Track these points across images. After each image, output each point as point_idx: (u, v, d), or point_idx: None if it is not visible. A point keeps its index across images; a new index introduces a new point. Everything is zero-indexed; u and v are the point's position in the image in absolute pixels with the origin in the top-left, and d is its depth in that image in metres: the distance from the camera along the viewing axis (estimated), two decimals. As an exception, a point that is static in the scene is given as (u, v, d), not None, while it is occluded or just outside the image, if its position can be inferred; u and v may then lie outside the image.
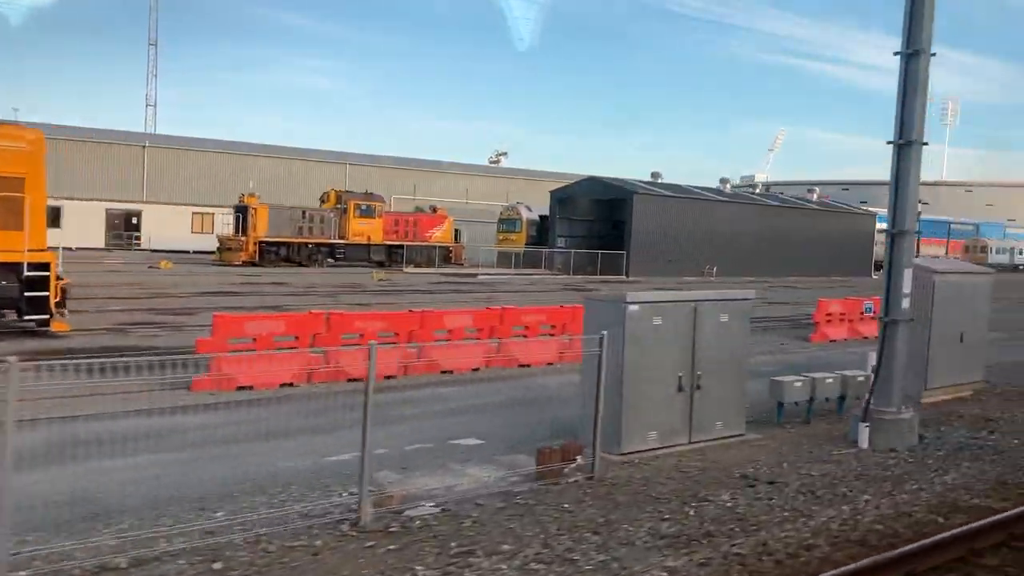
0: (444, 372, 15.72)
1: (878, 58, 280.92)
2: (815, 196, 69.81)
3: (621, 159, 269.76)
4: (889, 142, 12.09)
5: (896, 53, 11.95)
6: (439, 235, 54.19)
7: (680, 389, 11.04)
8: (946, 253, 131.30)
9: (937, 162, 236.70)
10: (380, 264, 50.65)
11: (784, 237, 62.96)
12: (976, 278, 17.42)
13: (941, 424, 13.29)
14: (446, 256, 54.30)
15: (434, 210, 56.21)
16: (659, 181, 60.07)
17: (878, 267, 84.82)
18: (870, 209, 71.80)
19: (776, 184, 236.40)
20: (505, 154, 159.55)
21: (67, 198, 53.89)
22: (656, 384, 10.84)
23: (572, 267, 53.67)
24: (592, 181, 56.79)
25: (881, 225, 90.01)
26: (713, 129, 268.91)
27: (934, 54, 11.89)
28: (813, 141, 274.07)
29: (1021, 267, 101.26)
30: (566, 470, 9.49)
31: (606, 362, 10.84)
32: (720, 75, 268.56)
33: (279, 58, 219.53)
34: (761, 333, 25.49)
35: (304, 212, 48.87)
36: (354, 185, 67.74)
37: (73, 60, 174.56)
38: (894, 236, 12.21)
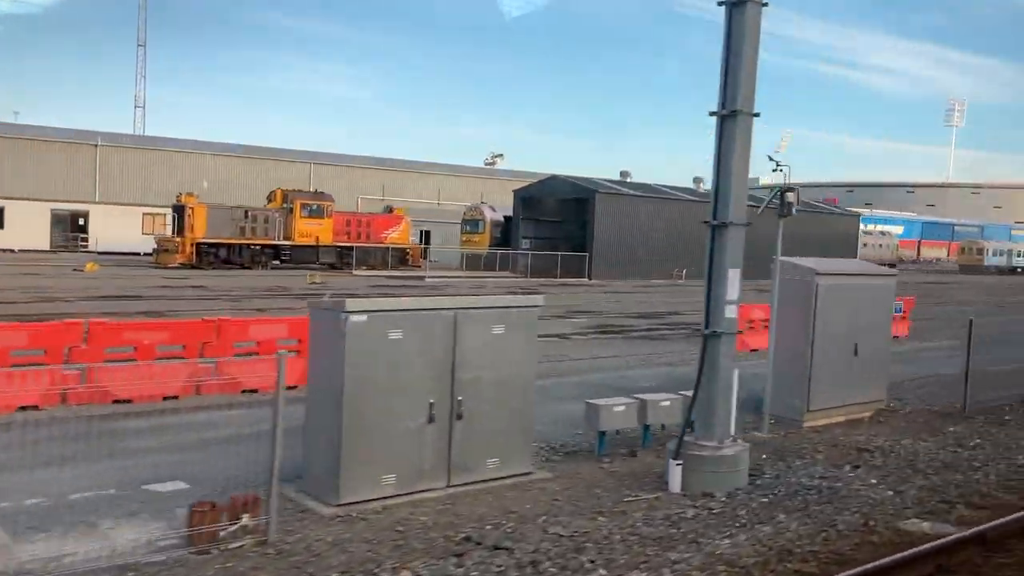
0: (248, 391, 13.48)
1: (888, 60, 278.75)
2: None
3: (628, 162, 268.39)
4: (712, 113, 9.81)
5: (720, 3, 9.63)
6: (395, 236, 52.00)
7: (431, 420, 8.78)
8: (948, 255, 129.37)
9: (944, 163, 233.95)
10: (332, 266, 48.54)
11: (763, 239, 60.45)
12: (874, 280, 15.17)
13: (798, 457, 11.02)
14: (404, 258, 52.14)
15: (391, 210, 54.04)
16: (628, 180, 57.73)
17: None
18: (853, 210, 69.17)
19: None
20: (501, 156, 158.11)
21: (9, 198, 52.00)
22: (395, 414, 8.58)
23: (534, 270, 51.49)
24: (555, 180, 54.45)
25: (865, 227, 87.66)
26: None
27: (766, 3, 9.58)
28: (821, 144, 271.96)
29: (1020, 269, 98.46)
30: (222, 534, 7.25)
31: (317, 385, 8.69)
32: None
33: (271, 61, 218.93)
34: (676, 342, 23.29)
35: (247, 212, 46.75)
36: (322, 185, 65.73)
37: (64, 62, 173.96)
38: (715, 229, 9.95)
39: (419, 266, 52.47)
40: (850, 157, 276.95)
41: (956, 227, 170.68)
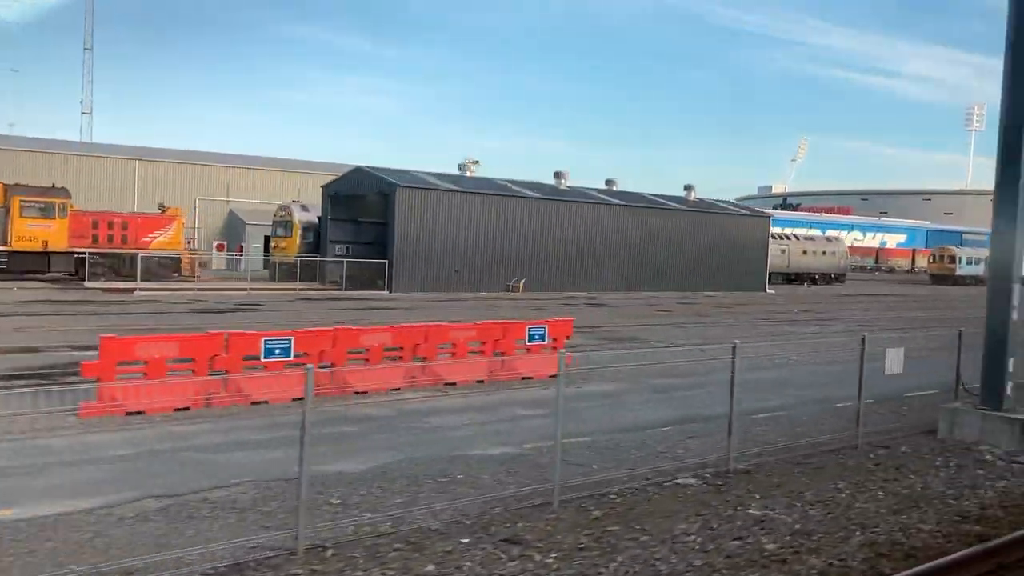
0: None
1: (908, 65, 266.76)
2: (692, 195, 57.41)
3: (649, 172, 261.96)
4: None
5: None
6: (163, 241, 43.34)
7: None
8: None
9: (961, 170, 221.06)
10: (71, 275, 40.11)
11: (646, 243, 51.01)
12: None
13: None
14: (176, 266, 43.47)
15: (163, 209, 45.41)
16: (456, 175, 48.51)
17: (790, 279, 71.87)
18: (763, 211, 59.16)
19: (793, 194, 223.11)
20: (477, 162, 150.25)
21: None
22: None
23: (350, 280, 42.65)
24: (360, 173, 45.39)
25: (775, 229, 77.27)
26: (745, 141, 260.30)
27: None
28: (841, 151, 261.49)
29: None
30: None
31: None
32: (749, 86, 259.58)
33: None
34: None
35: (-57, 211, 38.49)
36: (161, 187, 57.48)
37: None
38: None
39: (194, 276, 43.80)
40: (871, 165, 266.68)
41: (965, 235, 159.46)
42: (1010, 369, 13.50)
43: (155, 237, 43.04)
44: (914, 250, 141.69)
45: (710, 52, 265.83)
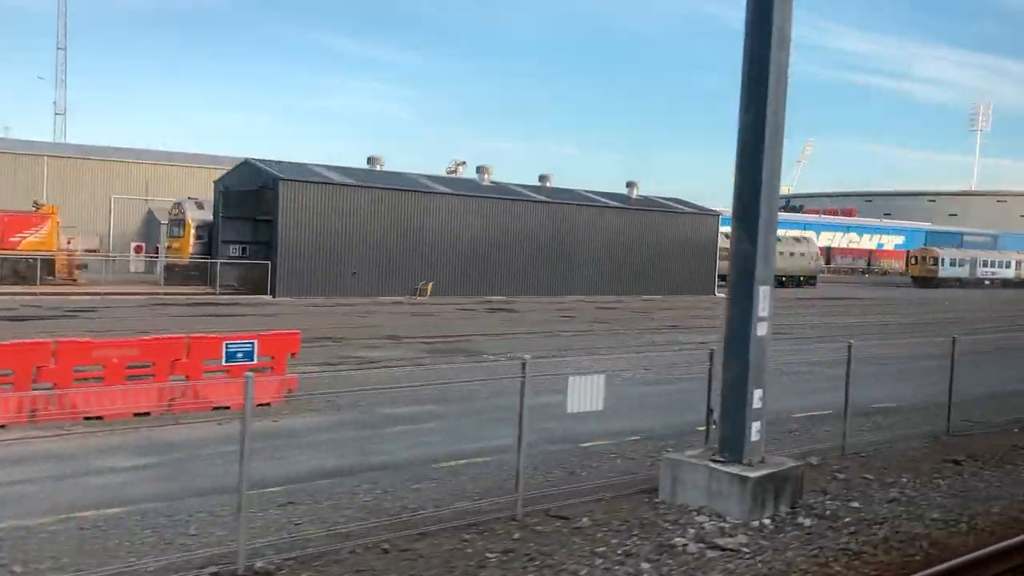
0: None
1: (916, 66, 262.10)
2: (634, 192, 53.48)
3: (656, 175, 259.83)
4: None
5: None
6: (34, 241, 39.83)
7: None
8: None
9: (967, 171, 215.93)
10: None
11: (577, 243, 47.20)
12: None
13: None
14: (51, 268, 40.00)
15: (37, 207, 41.95)
16: (366, 169, 44.80)
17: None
18: (714, 208, 55.24)
19: (796, 196, 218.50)
20: (464, 163, 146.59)
21: None
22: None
23: (244, 281, 39.11)
24: (247, 166, 41.75)
25: (726, 228, 73.20)
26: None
27: None
28: (847, 153, 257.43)
29: (988, 283, 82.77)
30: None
31: None
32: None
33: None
34: None
35: None
36: (73, 185, 54.14)
37: None
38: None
39: (75, 279, 40.33)
40: (878, 167, 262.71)
41: (965, 236, 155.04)
42: (755, 404, 9.68)
43: (24, 237, 39.54)
44: (908, 252, 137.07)
45: (715, 54, 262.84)
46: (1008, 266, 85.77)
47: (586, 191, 51.55)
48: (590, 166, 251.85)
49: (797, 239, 72.05)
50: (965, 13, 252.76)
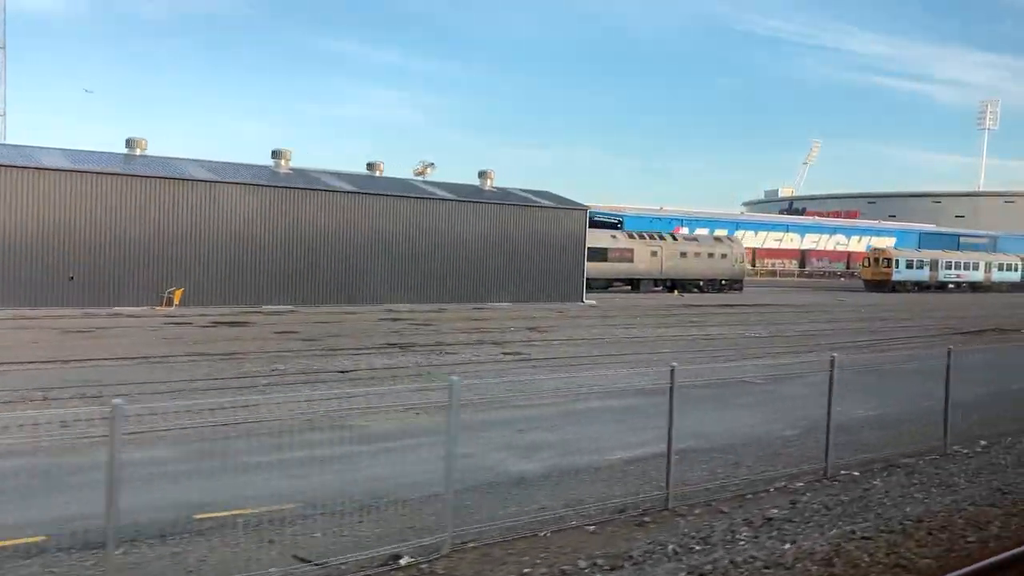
0: None
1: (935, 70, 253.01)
2: (488, 183, 45.57)
3: (666, 180, 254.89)
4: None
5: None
6: None
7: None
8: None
9: (974, 171, 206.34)
10: None
11: (397, 242, 39.54)
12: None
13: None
14: None
15: None
16: (119, 153, 37.34)
17: (669, 287, 59.53)
18: (579, 204, 47.13)
19: (799, 198, 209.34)
20: (432, 165, 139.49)
21: None
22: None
23: None
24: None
25: (599, 230, 65.08)
26: (758, 146, 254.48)
27: None
28: (856, 154, 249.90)
29: (953, 286, 73.98)
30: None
31: None
32: (763, 90, 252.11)
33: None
34: None
35: None
36: None
37: None
38: None
39: None
40: (886, 168, 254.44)
41: (962, 238, 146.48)
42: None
43: None
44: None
45: (721, 57, 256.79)
46: (976, 268, 76.88)
47: (421, 181, 43.80)
48: (604, 171, 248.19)
49: (719, 239, 63.85)
50: (978, 13, 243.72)
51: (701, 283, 60.13)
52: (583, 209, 45.58)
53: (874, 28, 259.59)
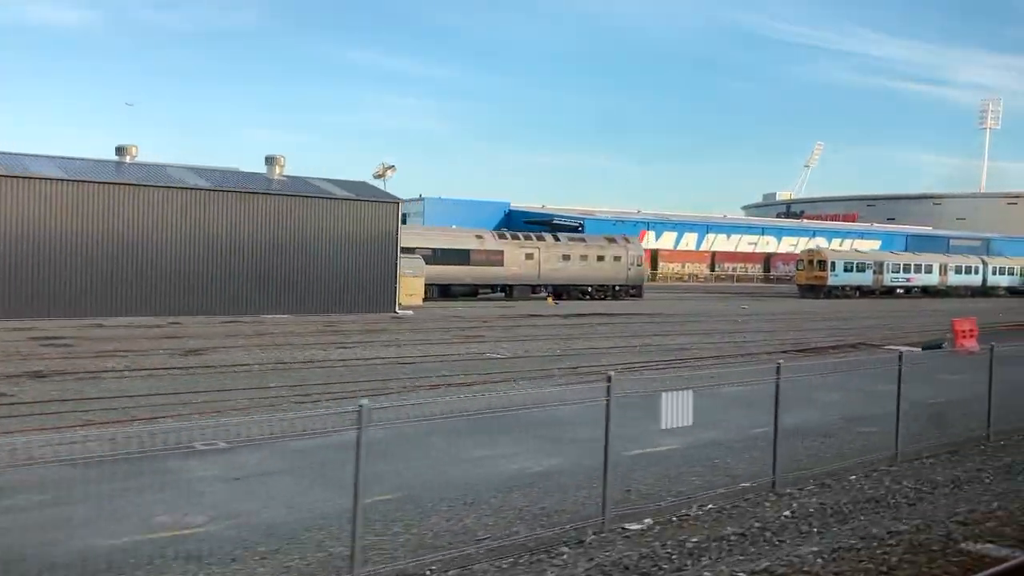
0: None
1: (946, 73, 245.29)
2: (277, 170, 38.45)
3: (697, 185, 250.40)
4: None
5: None
6: None
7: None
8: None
9: (975, 172, 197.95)
10: None
11: (149, 241, 32.72)
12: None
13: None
14: None
15: None
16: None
17: (558, 294, 52.31)
18: (392, 197, 39.88)
19: (797, 201, 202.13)
20: (392, 167, 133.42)
21: None
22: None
23: None
24: None
25: (414, 226, 58.14)
26: (763, 149, 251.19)
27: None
28: (860, 158, 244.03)
29: (902, 291, 66.29)
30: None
31: None
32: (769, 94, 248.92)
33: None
34: None
35: None
36: None
37: None
38: None
39: None
40: (891, 171, 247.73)
41: (952, 240, 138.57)
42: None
43: None
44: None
45: (719, 60, 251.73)
46: (929, 271, 68.86)
47: (180, 167, 36.81)
48: (614, 177, 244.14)
49: (613, 240, 56.47)
50: (992, 16, 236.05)
51: (589, 289, 52.89)
52: (394, 203, 38.41)
53: (885, 30, 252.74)
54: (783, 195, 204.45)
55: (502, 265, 49.59)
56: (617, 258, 54.12)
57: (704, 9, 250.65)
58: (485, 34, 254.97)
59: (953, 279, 69.63)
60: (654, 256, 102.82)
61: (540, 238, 52.29)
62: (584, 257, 52.78)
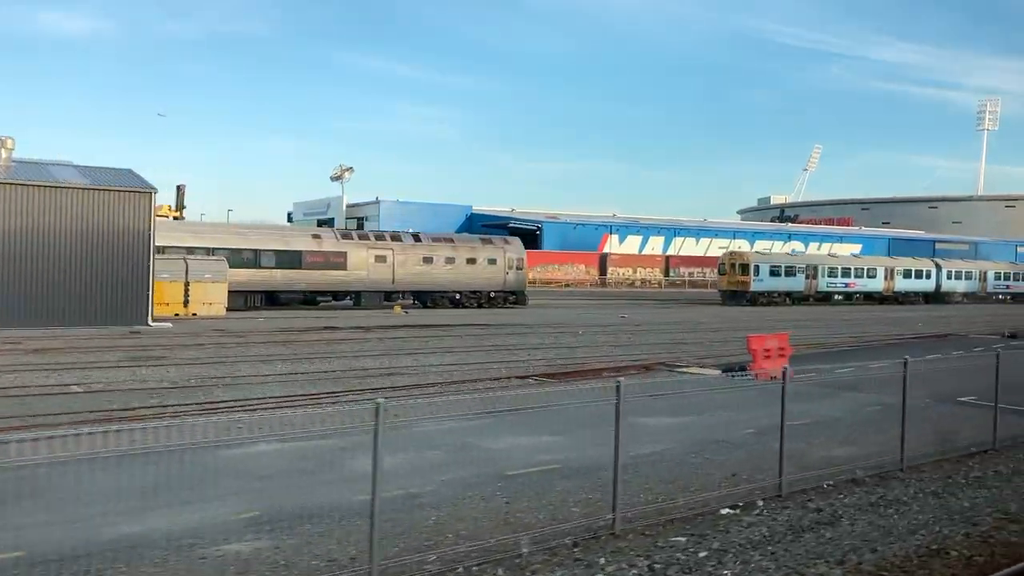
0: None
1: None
2: (3, 156, 31.52)
3: (704, 190, 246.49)
4: None
5: None
6: None
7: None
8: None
9: (972, 175, 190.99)
10: None
11: None
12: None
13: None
14: None
15: None
16: None
17: (425, 302, 45.11)
18: (144, 184, 32.98)
19: (791, 205, 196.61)
20: (351, 169, 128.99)
21: None
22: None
23: None
24: None
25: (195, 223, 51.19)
26: (763, 154, 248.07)
27: None
28: (862, 161, 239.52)
29: (841, 296, 59.16)
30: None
31: None
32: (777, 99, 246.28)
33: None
34: None
35: None
36: None
37: None
38: None
39: None
40: (896, 174, 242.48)
41: (938, 244, 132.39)
42: None
43: None
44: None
45: (719, 63, 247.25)
46: (873, 276, 61.43)
47: None
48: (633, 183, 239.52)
49: (488, 241, 49.49)
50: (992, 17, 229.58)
51: (457, 295, 46.01)
52: (146, 192, 31.47)
53: (889, 32, 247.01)
54: (778, 199, 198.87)
55: (345, 269, 42.79)
56: (492, 261, 47.20)
57: (705, 9, 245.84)
58: (482, 36, 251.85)
59: (901, 284, 62.22)
60: (602, 261, 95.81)
61: (396, 238, 45.39)
62: (451, 260, 45.88)
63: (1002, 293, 68.43)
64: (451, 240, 48.34)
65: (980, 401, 13.76)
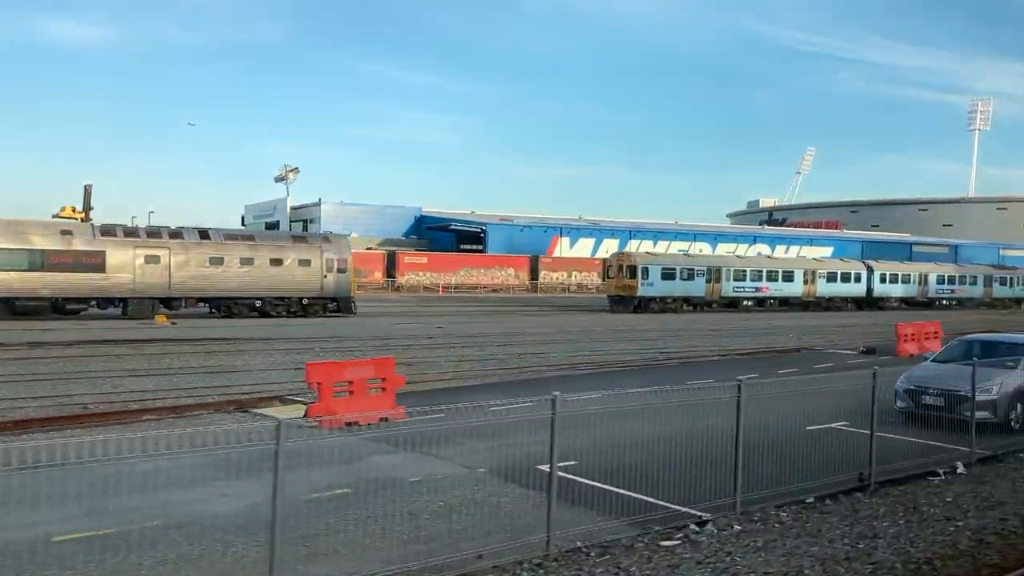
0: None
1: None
2: None
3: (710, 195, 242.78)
4: None
5: None
6: None
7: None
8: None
9: (963, 177, 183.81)
10: None
11: None
12: None
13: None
14: None
15: None
16: None
17: (214, 309, 37.47)
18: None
19: (780, 208, 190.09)
20: (296, 170, 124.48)
21: None
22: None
23: None
24: None
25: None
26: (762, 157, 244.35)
27: None
28: (859, 164, 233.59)
29: (748, 302, 51.60)
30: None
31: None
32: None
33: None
34: None
35: None
36: None
37: None
38: None
39: None
40: (890, 177, 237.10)
41: (915, 246, 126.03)
42: None
43: None
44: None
45: (716, 65, 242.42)
46: (791, 279, 53.60)
47: None
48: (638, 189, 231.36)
49: (300, 239, 42.23)
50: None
51: (258, 303, 38.72)
52: None
53: (885, 35, 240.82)
54: (767, 202, 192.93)
55: (103, 271, 35.57)
56: (305, 262, 39.92)
57: (703, 11, 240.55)
58: (481, 39, 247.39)
59: (825, 288, 54.42)
60: (533, 264, 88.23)
61: (176, 235, 38.08)
62: (248, 261, 38.63)
63: (946, 298, 60.58)
64: (251, 238, 41.15)
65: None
